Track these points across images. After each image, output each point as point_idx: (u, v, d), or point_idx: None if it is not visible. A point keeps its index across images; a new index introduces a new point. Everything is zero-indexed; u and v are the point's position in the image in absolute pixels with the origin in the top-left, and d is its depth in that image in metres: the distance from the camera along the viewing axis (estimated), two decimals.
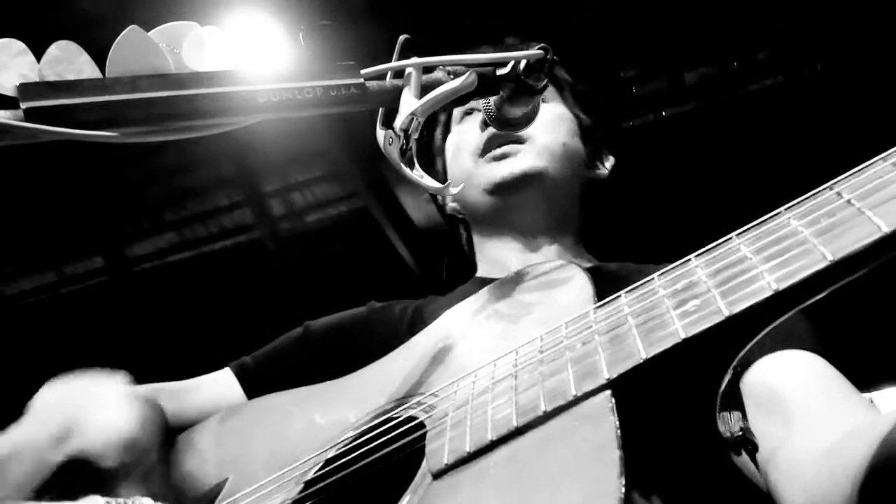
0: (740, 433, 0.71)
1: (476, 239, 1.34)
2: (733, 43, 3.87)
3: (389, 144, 0.88)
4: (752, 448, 0.77)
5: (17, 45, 0.65)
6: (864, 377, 0.93)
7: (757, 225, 0.68)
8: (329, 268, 4.61)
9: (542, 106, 1.26)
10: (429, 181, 0.95)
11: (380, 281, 4.37)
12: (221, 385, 1.18)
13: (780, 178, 4.01)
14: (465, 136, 1.27)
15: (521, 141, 1.21)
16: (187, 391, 1.17)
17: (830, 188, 0.64)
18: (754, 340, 0.63)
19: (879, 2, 3.50)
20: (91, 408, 0.91)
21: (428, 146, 1.39)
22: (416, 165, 0.93)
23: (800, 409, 0.82)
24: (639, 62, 3.90)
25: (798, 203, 0.66)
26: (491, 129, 1.21)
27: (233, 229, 4.73)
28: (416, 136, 0.88)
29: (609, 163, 1.36)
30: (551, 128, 1.24)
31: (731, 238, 0.70)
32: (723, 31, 3.78)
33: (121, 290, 4.73)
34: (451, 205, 1.38)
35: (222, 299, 4.68)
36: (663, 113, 4.07)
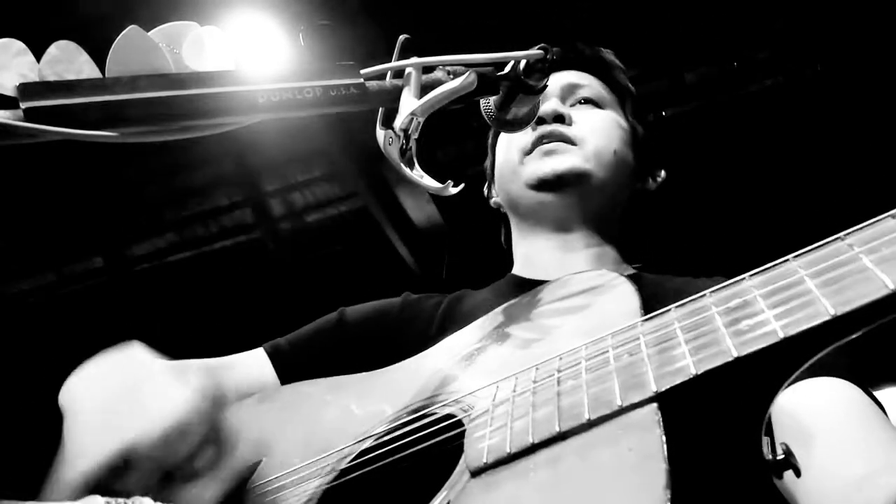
0: (782, 456, 0.70)
1: (515, 235, 1.34)
2: (733, 43, 3.87)
3: (389, 144, 0.88)
4: (794, 472, 0.77)
5: (17, 45, 0.65)
6: (865, 377, 0.93)
7: (814, 249, 0.67)
8: (329, 268, 4.61)
9: (599, 112, 1.28)
10: (429, 181, 0.95)
11: (380, 281, 4.37)
12: (256, 365, 1.17)
13: (780, 178, 4.02)
14: (516, 135, 1.26)
15: (571, 142, 1.21)
16: (222, 368, 1.15)
17: (894, 216, 0.64)
18: (806, 365, 0.62)
19: (879, 2, 3.50)
20: (138, 396, 0.80)
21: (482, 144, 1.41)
22: (416, 165, 0.93)
23: (829, 437, 0.81)
24: (639, 62, 3.90)
25: (858, 229, 0.66)
26: (542, 128, 1.22)
27: (233, 229, 4.73)
28: (416, 136, 0.88)
29: (659, 177, 1.36)
30: (604, 134, 1.24)
31: (787, 260, 0.69)
32: (723, 31, 3.78)
33: (121, 290, 4.73)
34: (494, 198, 1.39)
35: (222, 299, 4.68)
36: (663, 113, 4.07)
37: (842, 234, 0.66)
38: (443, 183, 0.95)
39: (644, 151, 1.32)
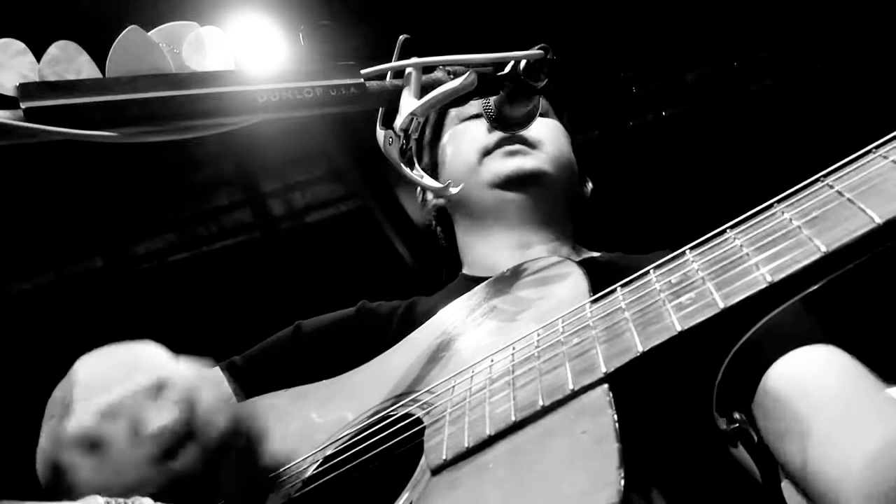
0: (736, 425, 0.72)
1: (463, 237, 1.33)
2: (733, 43, 3.88)
3: (389, 144, 0.88)
4: (748, 439, 0.78)
5: (17, 45, 0.65)
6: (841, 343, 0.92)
7: (750, 217, 0.69)
8: (329, 268, 4.61)
9: (545, 120, 1.29)
10: (429, 181, 0.95)
11: (380, 280, 4.37)
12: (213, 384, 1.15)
13: (780, 178, 4.02)
14: (470, 134, 1.27)
15: (532, 145, 1.23)
16: None
17: (821, 180, 0.66)
18: (749, 332, 0.64)
19: (879, 2, 3.50)
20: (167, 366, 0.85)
21: (417, 142, 1.38)
22: (416, 165, 0.93)
23: (835, 406, 0.80)
24: (639, 62, 3.90)
25: (790, 195, 0.68)
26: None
27: (233, 229, 4.73)
28: (415, 136, 0.88)
29: (589, 185, 1.39)
30: (557, 139, 1.28)
31: (724, 230, 0.71)
32: (723, 31, 3.78)
33: (121, 290, 4.73)
34: (433, 201, 1.37)
35: (222, 299, 4.68)
36: (663, 113, 4.08)
37: (773, 200, 0.68)
38: (443, 183, 0.95)
39: (579, 158, 1.36)
